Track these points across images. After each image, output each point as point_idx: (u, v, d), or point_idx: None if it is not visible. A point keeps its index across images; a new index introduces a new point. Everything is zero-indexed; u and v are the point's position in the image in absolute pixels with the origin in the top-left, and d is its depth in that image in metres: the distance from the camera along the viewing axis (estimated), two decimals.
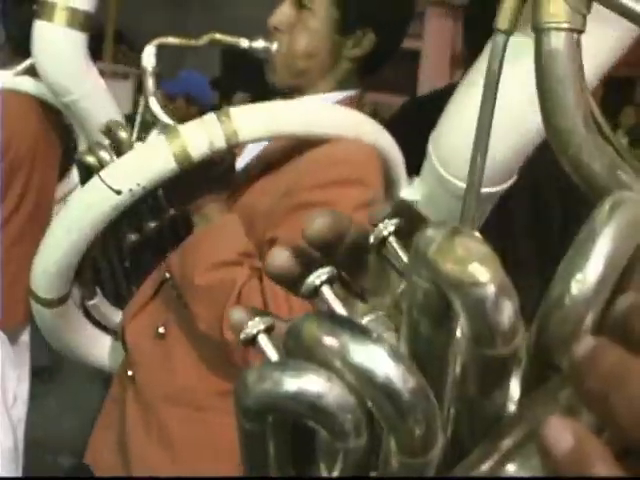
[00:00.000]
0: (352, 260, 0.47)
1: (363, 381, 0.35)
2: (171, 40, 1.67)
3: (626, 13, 0.38)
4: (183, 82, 5.13)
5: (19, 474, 2.88)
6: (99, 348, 1.98)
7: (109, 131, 1.61)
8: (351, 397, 0.36)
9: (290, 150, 1.60)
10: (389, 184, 1.69)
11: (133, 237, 1.72)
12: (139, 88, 5.67)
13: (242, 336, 0.44)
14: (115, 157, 1.58)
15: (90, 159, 1.59)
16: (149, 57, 1.66)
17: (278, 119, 1.52)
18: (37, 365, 4.65)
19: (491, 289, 0.34)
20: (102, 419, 1.86)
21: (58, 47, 2.11)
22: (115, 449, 1.74)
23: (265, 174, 1.63)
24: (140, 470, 1.66)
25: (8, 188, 2.69)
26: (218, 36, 1.64)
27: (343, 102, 1.68)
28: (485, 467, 0.34)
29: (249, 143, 1.57)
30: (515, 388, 0.39)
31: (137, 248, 1.75)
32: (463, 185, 1.43)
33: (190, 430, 1.63)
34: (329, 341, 0.36)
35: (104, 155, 1.58)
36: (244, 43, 1.64)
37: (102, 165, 1.55)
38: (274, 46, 1.64)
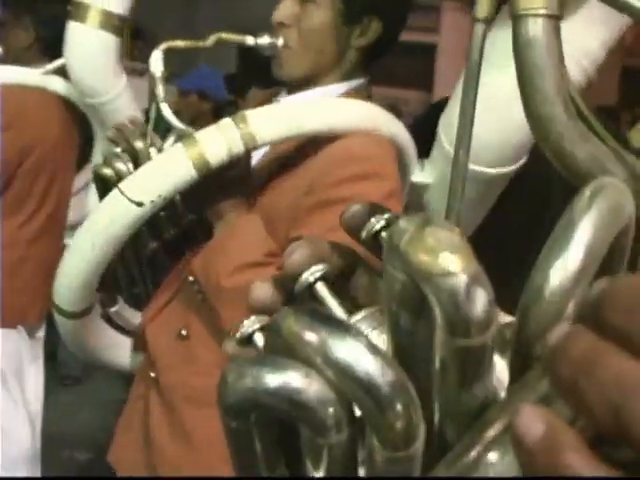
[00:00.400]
0: (341, 281, 0.47)
1: (342, 376, 0.35)
2: (178, 43, 1.67)
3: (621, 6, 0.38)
4: (197, 78, 5.08)
5: (38, 469, 2.92)
6: (122, 352, 1.99)
7: (120, 137, 1.63)
8: (331, 392, 0.36)
9: (305, 147, 1.60)
10: (402, 169, 1.69)
11: (152, 245, 1.72)
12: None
13: (238, 335, 0.44)
14: (132, 167, 1.59)
15: (107, 171, 1.60)
16: (157, 62, 1.66)
17: (295, 119, 1.51)
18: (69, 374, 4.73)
19: (462, 279, 0.34)
20: (124, 419, 1.87)
21: (90, 49, 2.13)
22: (138, 448, 1.75)
23: (281, 173, 1.63)
24: (164, 469, 1.67)
25: (31, 188, 2.71)
26: (224, 35, 1.64)
27: (350, 92, 1.68)
28: (468, 458, 0.34)
29: (267, 145, 1.56)
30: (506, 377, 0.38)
31: (155, 254, 1.76)
32: (474, 166, 1.41)
33: (214, 430, 1.64)
34: (308, 337, 0.36)
35: (121, 166, 1.59)
36: (250, 41, 1.64)
37: (119, 177, 1.56)
38: (280, 41, 1.64)
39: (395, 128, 1.65)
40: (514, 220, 1.80)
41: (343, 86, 1.69)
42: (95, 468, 3.69)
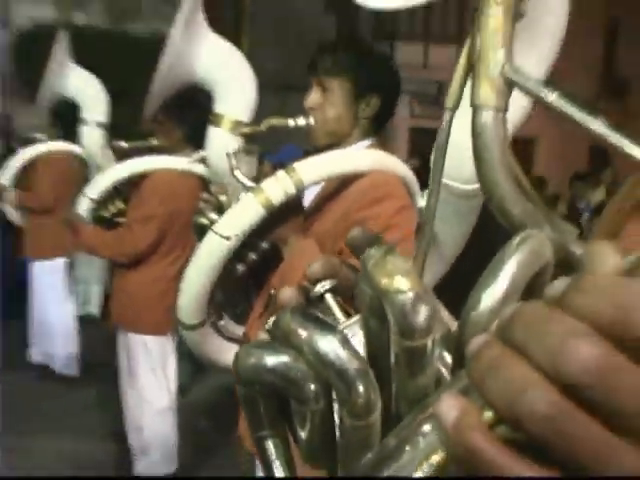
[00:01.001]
0: (348, 288, 0.48)
1: (321, 362, 0.36)
2: (244, 130, 1.90)
3: (542, 102, 0.38)
4: (282, 154, 5.25)
5: (174, 431, 3.30)
6: (230, 355, 2.04)
7: (208, 199, 1.78)
8: (311, 373, 0.37)
9: (340, 186, 1.70)
10: (411, 196, 1.76)
11: (241, 268, 1.76)
12: (260, 160, 5.78)
13: (266, 327, 0.45)
14: (219, 215, 1.69)
15: (203, 220, 1.74)
16: (215, 143, 1.92)
17: (330, 165, 1.63)
18: None
19: (410, 296, 0.34)
20: None
21: (224, 147, 2.21)
22: None
23: (326, 206, 1.73)
24: None
25: (177, 241, 3.05)
26: (273, 121, 1.76)
27: (368, 147, 1.79)
28: (410, 428, 0.34)
29: (312, 186, 1.65)
30: None
31: (243, 277, 1.80)
32: (460, 185, 1.40)
33: None
34: (299, 331, 0.37)
35: (212, 215, 1.72)
36: (291, 122, 1.76)
37: (211, 222, 1.66)
38: (311, 120, 1.75)
39: (402, 169, 1.74)
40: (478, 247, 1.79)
41: (362, 144, 1.79)
42: (214, 434, 3.77)
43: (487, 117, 0.38)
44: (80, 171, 4.11)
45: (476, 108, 0.38)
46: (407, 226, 1.58)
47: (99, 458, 3.72)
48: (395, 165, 1.73)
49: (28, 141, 4.55)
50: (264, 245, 1.73)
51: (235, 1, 12.58)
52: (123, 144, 3.17)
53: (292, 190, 1.55)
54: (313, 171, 1.59)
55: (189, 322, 1.78)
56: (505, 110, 0.38)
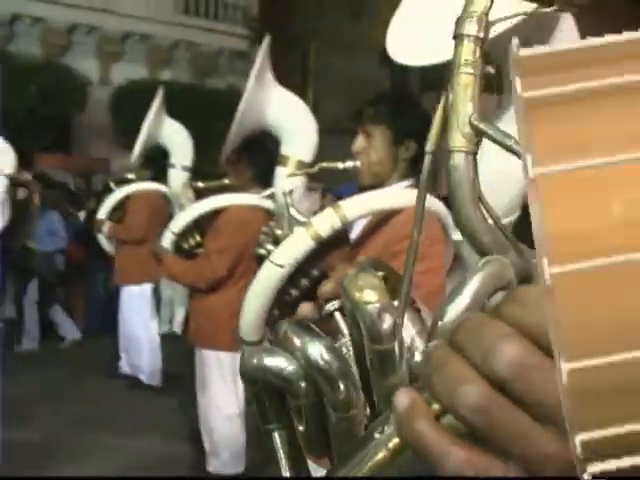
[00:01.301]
0: None
1: (310, 364, 0.38)
2: (296, 172, 1.97)
3: (504, 147, 0.40)
4: (343, 190, 5.26)
5: (243, 435, 3.31)
6: None
7: (267, 233, 1.82)
8: (302, 373, 0.39)
9: (381, 222, 1.74)
10: (445, 231, 1.77)
11: (294, 292, 1.79)
12: (323, 195, 5.79)
13: None
14: (275, 246, 1.73)
15: (262, 251, 1.79)
16: (282, 181, 1.92)
17: (371, 202, 1.66)
18: None
19: (376, 307, 0.36)
20: None
21: (289, 184, 2.24)
22: None
23: (369, 239, 1.76)
24: None
25: (247, 267, 2.96)
26: (325, 164, 1.79)
27: (407, 187, 1.81)
28: (384, 417, 0.36)
29: (356, 220, 1.68)
30: None
31: (297, 299, 1.83)
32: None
33: None
34: (294, 339, 0.39)
35: (269, 247, 1.77)
36: (340, 165, 1.78)
37: (268, 253, 1.71)
38: (358, 163, 1.78)
39: (437, 205, 1.75)
40: None
41: (402, 184, 1.81)
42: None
43: (459, 159, 0.40)
44: (165, 208, 4.23)
45: (450, 151, 0.41)
46: (436, 259, 1.62)
47: (178, 456, 3.77)
48: (430, 202, 1.74)
49: (122, 181, 4.68)
50: (315, 272, 1.76)
51: (303, 59, 12.85)
52: (200, 184, 3.26)
53: (338, 224, 1.59)
54: (356, 207, 1.63)
55: (250, 339, 1.81)
56: (475, 153, 0.40)
